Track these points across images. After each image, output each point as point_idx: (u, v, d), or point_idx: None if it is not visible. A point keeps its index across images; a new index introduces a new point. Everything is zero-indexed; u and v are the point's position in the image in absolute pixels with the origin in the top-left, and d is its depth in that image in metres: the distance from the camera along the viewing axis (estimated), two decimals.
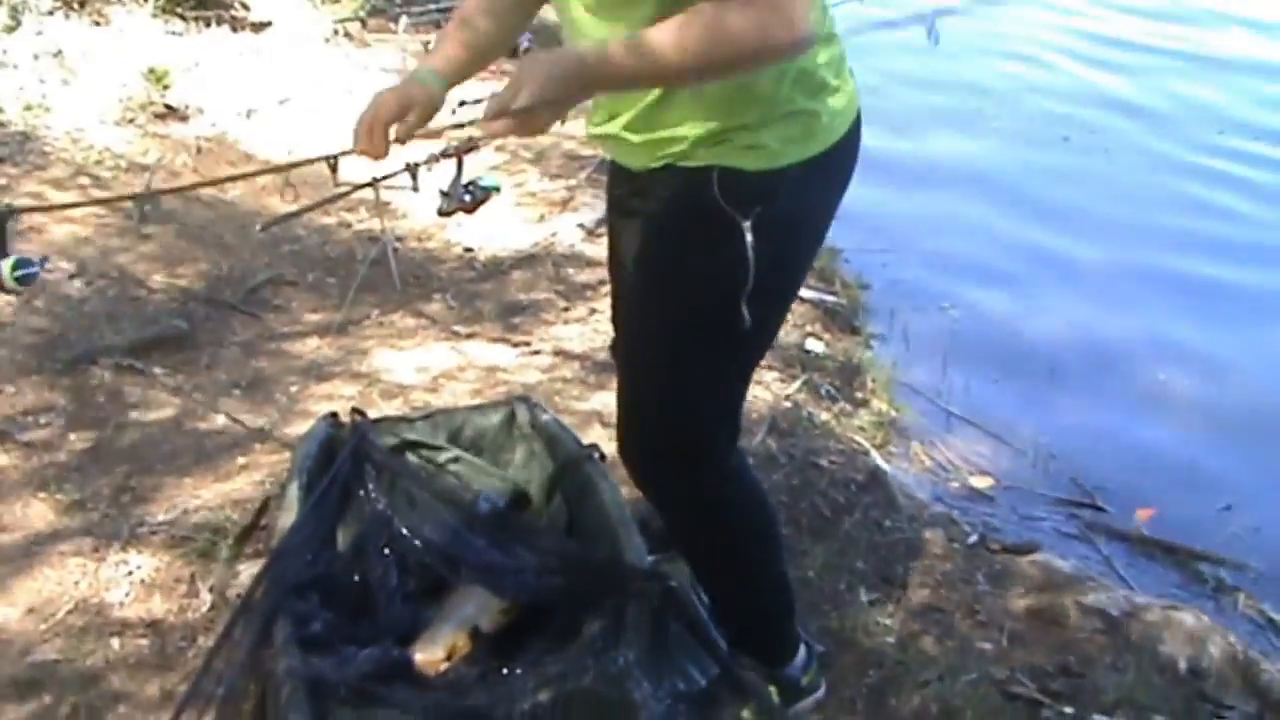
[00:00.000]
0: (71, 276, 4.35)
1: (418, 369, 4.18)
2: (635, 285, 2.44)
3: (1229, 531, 4.04)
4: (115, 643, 2.85)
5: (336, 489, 2.84)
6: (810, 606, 3.07)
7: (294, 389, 4.02)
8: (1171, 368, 5.03)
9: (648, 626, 2.51)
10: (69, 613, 2.92)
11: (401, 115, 2.24)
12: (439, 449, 3.09)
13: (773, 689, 2.74)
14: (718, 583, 2.71)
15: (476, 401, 3.71)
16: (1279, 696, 2.97)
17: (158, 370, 4.00)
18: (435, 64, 2.34)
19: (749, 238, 2.15)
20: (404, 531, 2.86)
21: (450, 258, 5.16)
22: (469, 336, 4.46)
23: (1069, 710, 2.85)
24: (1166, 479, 4.36)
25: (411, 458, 3.05)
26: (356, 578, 2.78)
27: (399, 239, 5.17)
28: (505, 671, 2.49)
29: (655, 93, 2.14)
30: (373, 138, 2.23)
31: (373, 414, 3.20)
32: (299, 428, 3.68)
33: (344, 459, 2.91)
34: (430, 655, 2.56)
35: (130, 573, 3.06)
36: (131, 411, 3.77)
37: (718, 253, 2.19)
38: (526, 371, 4.23)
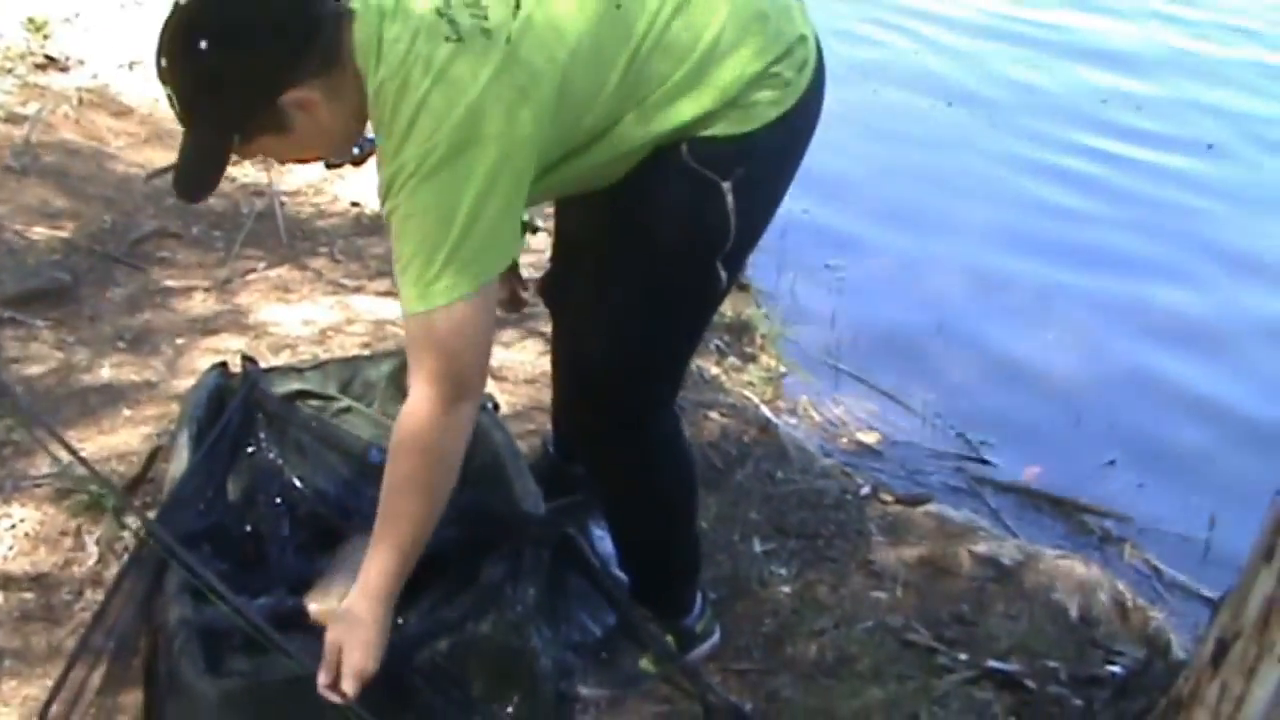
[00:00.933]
0: None
1: (305, 322, 4.11)
2: (602, 240, 2.39)
3: (1113, 486, 4.10)
4: None
5: (227, 439, 2.79)
6: (704, 557, 3.00)
7: (180, 342, 3.94)
8: (1056, 328, 5.10)
9: (545, 574, 2.51)
10: None
11: None
12: (330, 399, 3.07)
13: (669, 638, 2.72)
14: (633, 536, 2.70)
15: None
16: (1166, 643, 3.02)
17: (39, 322, 3.90)
18: None
19: (729, 199, 2.19)
20: (296, 481, 2.84)
21: (336, 212, 5.08)
22: (356, 290, 4.39)
23: (963, 657, 2.86)
24: (1051, 436, 4.45)
25: (302, 408, 3.01)
26: (248, 528, 2.74)
27: (285, 193, 5.08)
28: (400, 621, 2.44)
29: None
30: None
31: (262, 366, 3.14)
32: (186, 381, 3.61)
33: (234, 407, 2.86)
34: (324, 605, 2.50)
35: (13, 526, 2.97)
36: (12, 365, 3.66)
37: (700, 214, 2.22)
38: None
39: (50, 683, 2.48)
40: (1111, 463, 4.24)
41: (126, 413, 3.51)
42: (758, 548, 3.22)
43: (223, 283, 4.35)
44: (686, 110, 2.14)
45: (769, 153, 2.24)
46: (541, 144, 2.04)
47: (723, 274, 2.29)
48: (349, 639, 2.10)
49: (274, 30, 1.95)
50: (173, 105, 2.00)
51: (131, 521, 2.83)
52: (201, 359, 3.79)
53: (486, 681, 2.35)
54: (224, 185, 5.05)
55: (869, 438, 4.28)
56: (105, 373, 3.71)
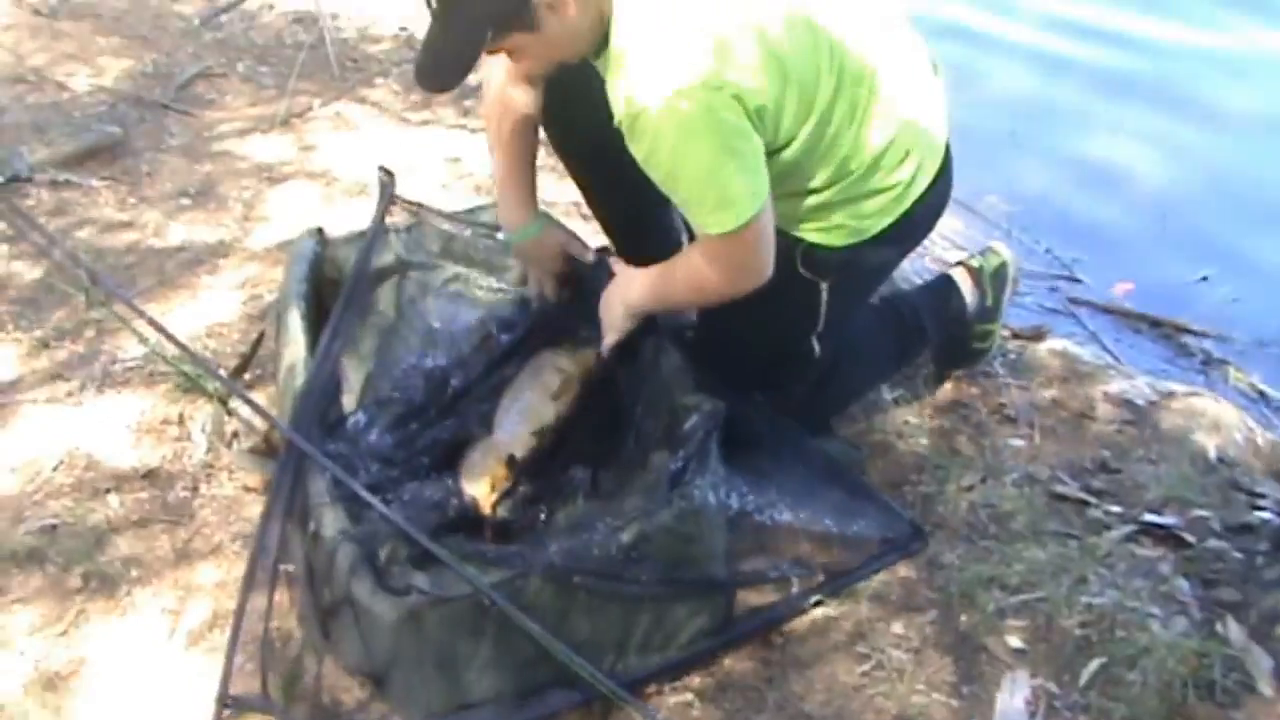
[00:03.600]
0: None
1: (374, 162, 3.78)
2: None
3: (1209, 303, 3.88)
4: (114, 499, 2.57)
5: (351, 314, 2.58)
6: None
7: (248, 194, 3.68)
8: (1131, 134, 4.78)
9: (712, 448, 2.31)
10: (56, 469, 2.63)
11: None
12: (433, 267, 2.83)
13: None
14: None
15: (442, 195, 3.49)
16: None
17: (95, 182, 3.64)
18: (530, 215, 2.58)
19: (825, 295, 2.40)
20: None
21: (385, 36, 4.76)
22: (423, 124, 4.11)
23: (1116, 509, 2.70)
24: (1140, 251, 4.17)
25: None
26: (394, 400, 2.53)
27: (330, 18, 4.74)
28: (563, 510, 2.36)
29: None
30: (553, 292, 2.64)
31: (334, 218, 3.02)
32: (262, 237, 3.42)
33: (354, 281, 2.65)
34: (477, 490, 2.34)
35: (113, 418, 2.77)
36: (77, 232, 3.41)
37: (792, 302, 2.39)
38: (487, 165, 3.85)
39: (180, 591, 2.38)
40: (1205, 279, 3.98)
41: (207, 279, 3.28)
42: (888, 395, 3.02)
43: (280, 122, 4.06)
44: (813, 229, 2.35)
45: (874, 259, 2.42)
46: None
47: (816, 347, 2.50)
48: (609, 312, 2.43)
49: None
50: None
51: (252, 418, 2.60)
52: (274, 211, 3.58)
53: (664, 572, 2.20)
54: (263, 13, 4.80)
55: (957, 257, 4.02)
56: (176, 234, 3.47)
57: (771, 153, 2.15)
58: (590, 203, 2.85)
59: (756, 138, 2.07)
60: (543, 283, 2.66)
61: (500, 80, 2.42)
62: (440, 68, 2.05)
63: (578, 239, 2.62)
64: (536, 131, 2.51)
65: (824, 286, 2.39)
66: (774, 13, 2.09)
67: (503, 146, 2.51)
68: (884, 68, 2.25)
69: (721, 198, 2.07)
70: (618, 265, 2.49)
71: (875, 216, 2.33)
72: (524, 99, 2.42)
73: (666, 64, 1.97)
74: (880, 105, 2.24)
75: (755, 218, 2.09)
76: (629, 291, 2.39)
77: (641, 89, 1.98)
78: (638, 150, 2.05)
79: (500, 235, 2.72)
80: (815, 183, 2.26)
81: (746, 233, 2.11)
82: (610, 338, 2.44)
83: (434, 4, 1.99)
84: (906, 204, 2.34)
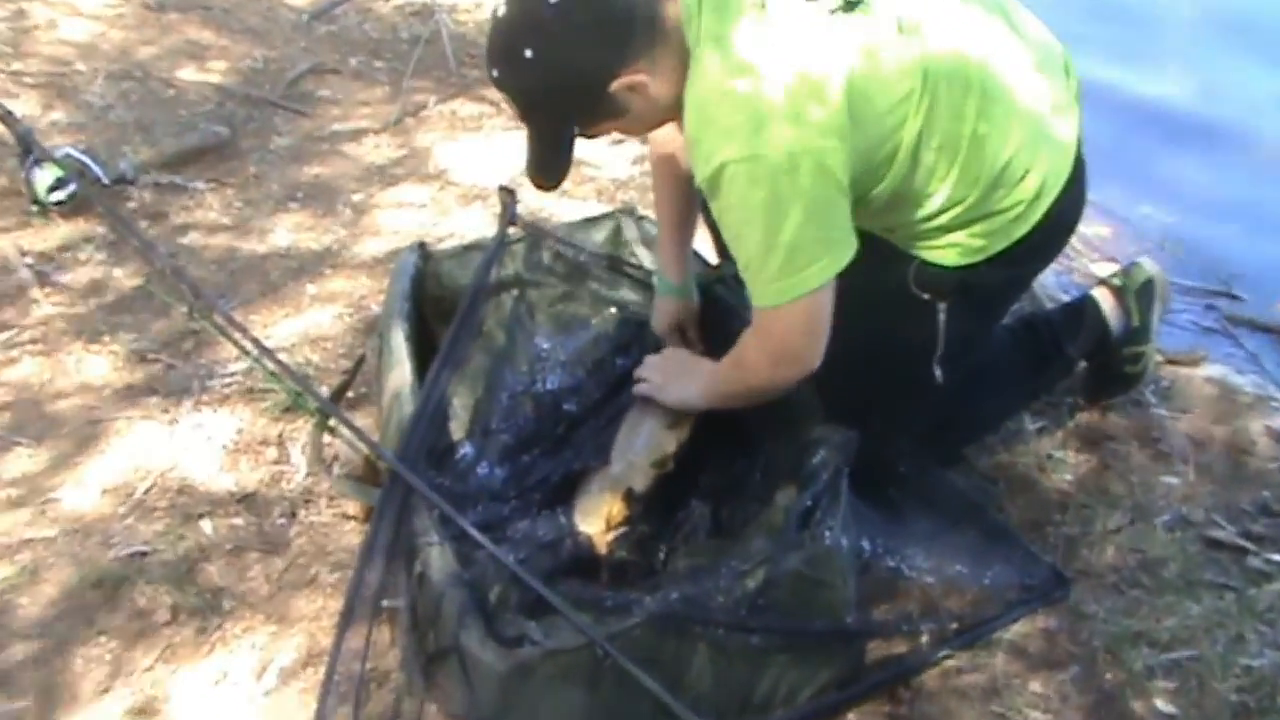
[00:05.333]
0: (91, 80, 3.88)
1: (490, 166, 3.74)
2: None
3: None
4: (207, 525, 2.51)
5: (464, 337, 2.51)
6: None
7: (357, 198, 3.62)
8: None
9: (844, 485, 2.18)
10: (149, 491, 2.58)
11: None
12: (548, 286, 2.75)
13: None
14: None
15: (562, 203, 3.41)
16: None
17: (200, 184, 3.60)
18: (673, 275, 2.56)
19: (943, 316, 2.29)
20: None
21: None
22: None
23: (1278, 558, 2.55)
24: None
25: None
26: (503, 434, 2.46)
27: (443, 8, 4.68)
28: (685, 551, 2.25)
29: None
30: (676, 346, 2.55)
31: (447, 227, 2.98)
32: (372, 245, 3.35)
33: (470, 304, 2.56)
34: (591, 527, 2.26)
35: (209, 437, 2.72)
36: (179, 237, 3.37)
37: (908, 324, 2.30)
38: (615, 164, 3.82)
39: (273, 625, 2.30)
40: None
41: (311, 289, 3.22)
42: (1029, 425, 2.87)
43: (394, 123, 4.01)
44: (926, 248, 2.25)
45: (998, 279, 2.31)
46: None
47: (939, 374, 2.36)
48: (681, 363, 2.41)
49: (594, 27, 1.96)
50: (512, 108, 2.07)
51: (354, 441, 2.52)
52: (385, 216, 3.51)
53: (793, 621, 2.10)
54: (378, 6, 4.75)
55: (1105, 270, 3.82)
56: (281, 239, 3.42)
57: (862, 195, 2.10)
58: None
59: (841, 203, 2.02)
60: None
61: (665, 133, 2.37)
62: (541, 169, 2.12)
63: (697, 341, 2.59)
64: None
65: (942, 307, 2.29)
66: (867, 39, 2.01)
67: (660, 202, 2.56)
68: (1001, 73, 2.14)
69: (785, 265, 2.00)
70: (681, 353, 2.48)
71: (995, 237, 2.22)
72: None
73: (745, 121, 1.93)
74: (994, 121, 2.13)
75: (812, 293, 2.03)
76: (686, 392, 2.36)
77: (720, 146, 1.94)
78: (715, 206, 2.02)
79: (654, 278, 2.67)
80: (921, 212, 2.18)
81: (800, 307, 2.05)
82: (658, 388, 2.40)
83: (518, 115, 2.06)
84: (1030, 222, 2.23)
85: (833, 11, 2.00)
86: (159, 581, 2.36)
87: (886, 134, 2.05)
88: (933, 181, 2.13)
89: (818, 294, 2.03)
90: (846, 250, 2.04)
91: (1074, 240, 3.67)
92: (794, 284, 2.01)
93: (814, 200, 1.96)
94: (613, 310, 2.70)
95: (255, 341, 2.59)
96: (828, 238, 2.02)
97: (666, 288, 2.56)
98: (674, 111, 2.06)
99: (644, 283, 2.68)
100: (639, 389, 2.38)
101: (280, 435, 2.73)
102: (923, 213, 2.17)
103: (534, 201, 3.42)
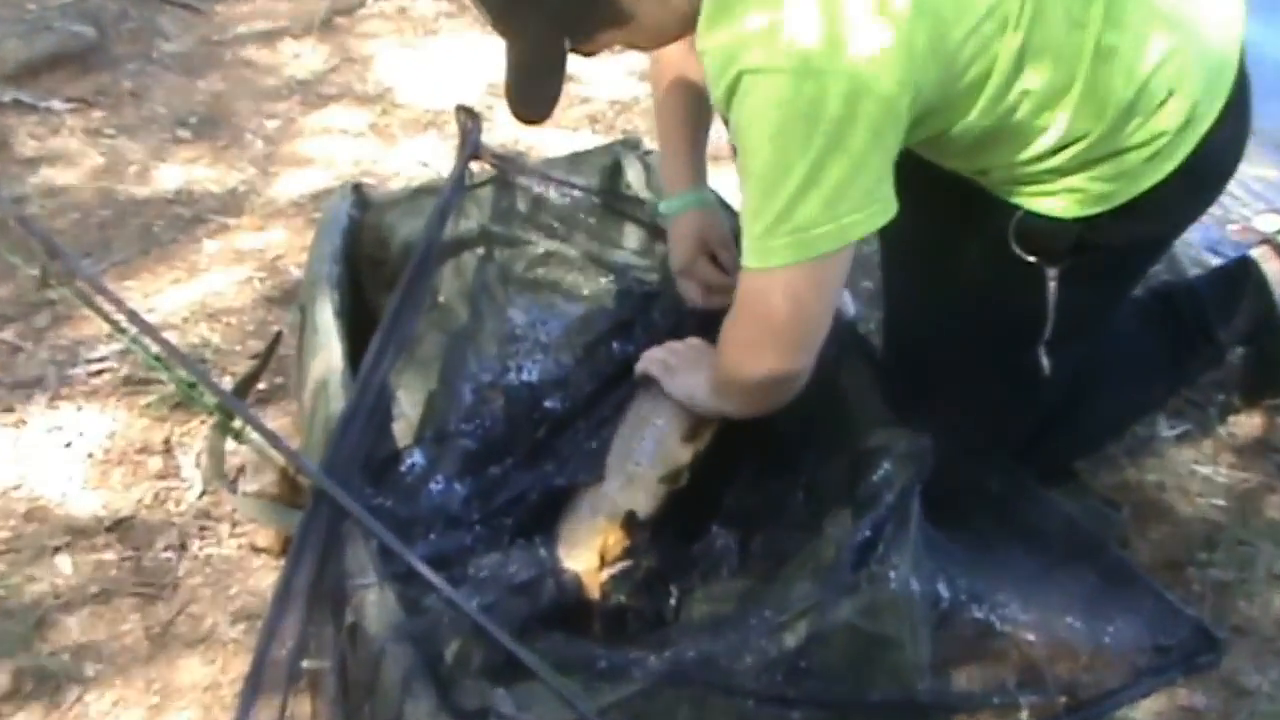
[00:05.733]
0: None
1: (449, 82, 3.80)
2: (907, 279, 2.51)
3: None
4: (64, 562, 2.51)
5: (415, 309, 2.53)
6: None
7: (270, 124, 3.68)
8: None
9: (914, 510, 2.21)
10: None
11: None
12: (519, 242, 2.80)
13: None
14: None
15: (544, 133, 3.48)
16: None
17: (58, 104, 3.66)
18: (688, 182, 2.59)
19: (1053, 286, 2.28)
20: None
21: None
22: None
23: None
24: None
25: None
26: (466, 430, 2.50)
27: None
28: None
29: None
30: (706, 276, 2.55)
31: (390, 163, 3.06)
32: (288, 188, 3.38)
33: (418, 266, 2.57)
34: (580, 562, 2.28)
35: (69, 444, 2.73)
36: (29, 175, 3.41)
37: (1006, 296, 2.32)
38: (607, 82, 3.89)
39: (154, 696, 2.30)
40: None
41: (210, 246, 3.25)
42: (1165, 430, 2.92)
43: (320, 23, 4.09)
44: (1033, 193, 2.22)
45: (1128, 236, 2.28)
46: None
47: (1046, 363, 2.37)
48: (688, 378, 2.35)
49: None
50: (482, 12, 2.05)
51: (266, 449, 2.53)
52: (308, 149, 3.56)
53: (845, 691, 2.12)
54: None
55: (1268, 224, 3.85)
56: (169, 179, 3.45)
57: (940, 133, 2.10)
58: None
59: (890, 142, 1.98)
60: (681, 279, 2.59)
61: (674, 52, 2.41)
62: (524, 96, 2.12)
63: (735, 267, 2.48)
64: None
65: (1052, 274, 2.27)
66: None
67: (662, 108, 2.57)
68: None
69: (781, 214, 1.97)
70: (699, 342, 2.42)
71: (1125, 180, 2.19)
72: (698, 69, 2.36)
73: (773, 24, 1.90)
74: (1127, 28, 2.10)
75: (821, 257, 2.00)
76: (694, 384, 2.35)
77: (740, 51, 1.93)
78: (735, 118, 2.00)
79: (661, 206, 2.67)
80: (1026, 153, 2.15)
81: (800, 273, 2.02)
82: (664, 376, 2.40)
83: (491, 23, 2.06)
84: (1175, 161, 2.19)
85: None
86: None
87: (973, 55, 2.02)
88: (1042, 115, 2.10)
89: (825, 258, 2.01)
90: (885, 210, 2.02)
91: (1231, 185, 3.72)
92: (791, 244, 1.99)
93: (853, 136, 1.92)
94: (609, 277, 2.73)
95: (133, 315, 2.57)
96: (866, 190, 1.98)
97: (682, 202, 2.56)
98: (690, 22, 2.05)
99: (651, 234, 2.73)
100: (644, 366, 2.38)
101: (167, 441, 2.76)
102: (1029, 153, 2.15)
103: (506, 130, 3.46)
